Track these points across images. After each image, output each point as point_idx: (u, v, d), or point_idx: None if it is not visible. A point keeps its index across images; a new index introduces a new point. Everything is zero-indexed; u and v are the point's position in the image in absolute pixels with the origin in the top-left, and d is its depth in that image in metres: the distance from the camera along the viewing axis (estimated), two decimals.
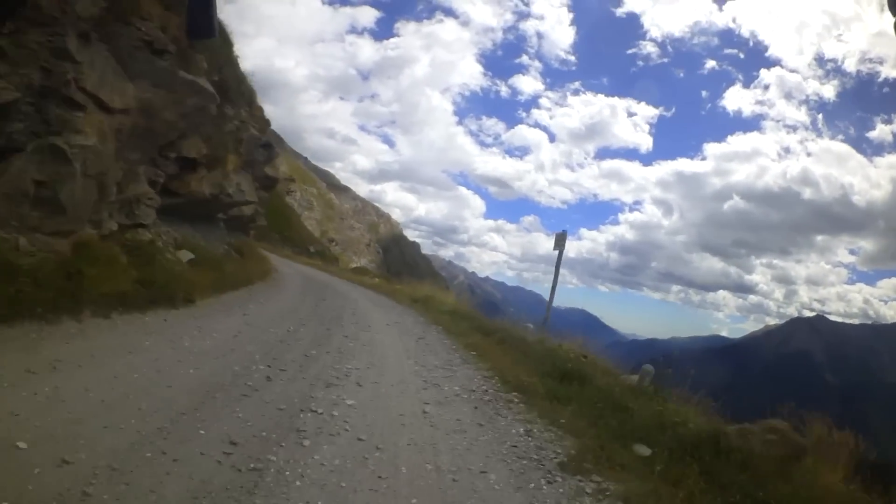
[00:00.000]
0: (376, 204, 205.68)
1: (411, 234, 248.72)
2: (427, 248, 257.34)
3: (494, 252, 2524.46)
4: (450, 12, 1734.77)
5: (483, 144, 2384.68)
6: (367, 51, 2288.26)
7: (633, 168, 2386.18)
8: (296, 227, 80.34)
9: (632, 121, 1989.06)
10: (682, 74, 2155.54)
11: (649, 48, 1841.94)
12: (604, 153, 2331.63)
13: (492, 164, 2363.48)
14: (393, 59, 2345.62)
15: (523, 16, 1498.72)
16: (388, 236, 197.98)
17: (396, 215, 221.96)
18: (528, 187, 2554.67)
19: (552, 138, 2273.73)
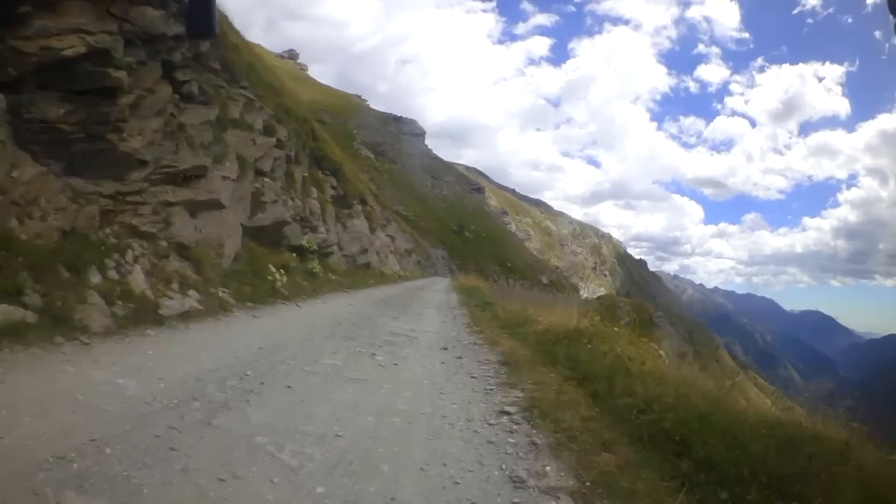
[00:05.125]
0: (595, 226, 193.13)
1: (633, 252, 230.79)
2: (650, 264, 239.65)
3: (720, 259, 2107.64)
4: (618, 20, 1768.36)
5: (687, 146, 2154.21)
6: (550, 78, 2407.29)
7: (838, 137, 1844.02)
8: (521, 255, 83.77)
9: (823, 85, 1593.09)
10: (849, 20, 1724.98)
11: (811, 2, 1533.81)
12: (807, 128, 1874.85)
13: (700, 164, 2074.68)
14: (577, 80, 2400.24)
15: (686, 4, 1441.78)
16: (613, 256, 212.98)
17: (616, 235, 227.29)
18: (742, 182, 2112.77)
19: (752, 123, 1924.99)
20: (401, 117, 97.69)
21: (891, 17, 1.20)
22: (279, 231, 11.66)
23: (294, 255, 12.18)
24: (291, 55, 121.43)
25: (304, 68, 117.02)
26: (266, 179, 11.02)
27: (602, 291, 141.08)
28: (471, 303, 14.10)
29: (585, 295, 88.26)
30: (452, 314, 11.40)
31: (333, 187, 17.57)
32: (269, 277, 9.45)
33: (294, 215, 12.51)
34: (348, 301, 11.40)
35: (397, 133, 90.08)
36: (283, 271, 10.16)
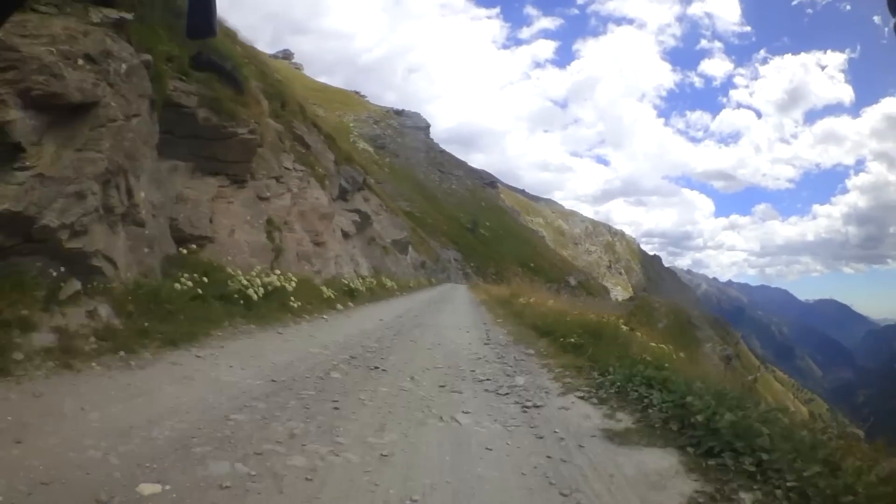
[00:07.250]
0: (607, 223, 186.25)
1: (646, 248, 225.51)
2: (663, 259, 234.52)
3: (732, 252, 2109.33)
4: (622, 20, 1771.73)
5: (694, 140, 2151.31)
6: (556, 80, 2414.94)
7: (843, 123, 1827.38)
8: (543, 254, 72.31)
9: (825, 73, 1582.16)
10: (848, 7, 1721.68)
11: None
12: (812, 116, 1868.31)
13: (708, 157, 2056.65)
14: (583, 81, 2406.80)
15: (687, 1, 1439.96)
16: (627, 254, 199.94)
17: (628, 231, 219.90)
18: (751, 173, 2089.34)
19: (758, 115, 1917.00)
20: (402, 110, 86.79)
21: (892, 17, 1.17)
22: None
23: None
24: (286, 55, 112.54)
25: (298, 67, 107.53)
26: None
27: (620, 290, 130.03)
28: None
29: (614, 296, 75.16)
30: None
31: None
32: None
33: None
34: None
35: (399, 127, 79.16)
36: None
